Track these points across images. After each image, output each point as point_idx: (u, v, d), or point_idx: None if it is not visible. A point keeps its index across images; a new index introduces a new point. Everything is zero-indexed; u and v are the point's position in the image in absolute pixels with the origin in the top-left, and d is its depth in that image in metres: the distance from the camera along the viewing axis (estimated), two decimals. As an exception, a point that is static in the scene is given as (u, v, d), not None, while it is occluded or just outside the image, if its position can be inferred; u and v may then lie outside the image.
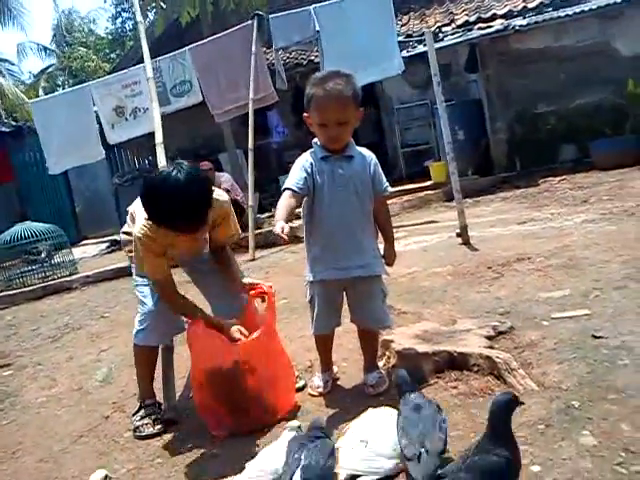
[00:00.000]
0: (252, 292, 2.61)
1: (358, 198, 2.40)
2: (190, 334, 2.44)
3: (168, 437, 2.49)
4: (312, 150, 2.43)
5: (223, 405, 2.41)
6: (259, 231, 7.24)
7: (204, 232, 2.42)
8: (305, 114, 2.40)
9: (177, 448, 2.36)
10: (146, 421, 2.55)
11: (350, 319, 2.58)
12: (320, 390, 2.55)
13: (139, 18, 6.27)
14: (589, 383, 2.11)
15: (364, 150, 2.50)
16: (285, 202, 2.26)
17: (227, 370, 2.38)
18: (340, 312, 2.55)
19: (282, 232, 2.07)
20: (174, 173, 2.15)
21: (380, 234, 2.57)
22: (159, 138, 4.01)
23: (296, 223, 2.86)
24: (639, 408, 1.88)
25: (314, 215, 2.42)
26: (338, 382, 2.65)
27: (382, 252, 2.53)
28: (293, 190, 2.30)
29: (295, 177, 2.34)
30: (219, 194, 2.48)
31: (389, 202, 7.80)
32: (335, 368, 2.71)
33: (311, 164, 2.36)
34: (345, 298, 2.54)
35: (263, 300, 2.61)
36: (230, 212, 2.58)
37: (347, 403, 2.41)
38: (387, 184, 2.51)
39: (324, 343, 2.62)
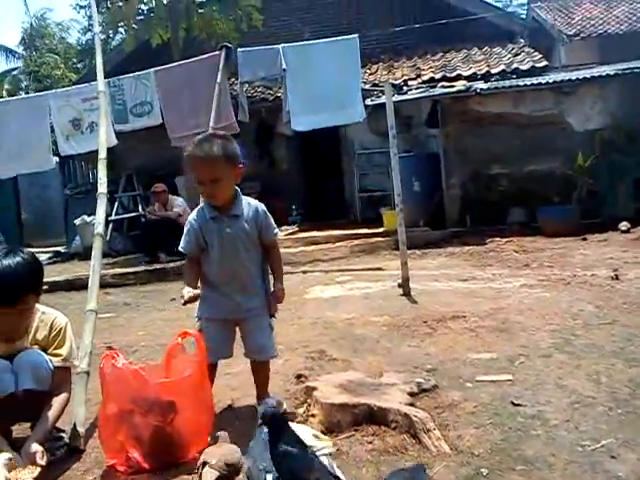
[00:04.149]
0: (181, 334, 2.54)
1: (247, 252, 2.60)
2: (105, 368, 2.34)
3: (72, 466, 2.36)
4: (201, 207, 2.62)
5: (133, 441, 2.30)
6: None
7: (26, 313, 2.40)
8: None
9: (78, 479, 2.24)
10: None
11: (243, 354, 2.71)
12: None
13: (96, 29, 6.24)
14: (501, 451, 2.11)
15: (252, 202, 2.65)
16: (188, 268, 2.64)
17: (143, 407, 2.29)
18: (227, 345, 2.65)
19: (187, 298, 2.46)
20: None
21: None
22: (102, 154, 3.93)
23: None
24: (544, 481, 1.89)
25: (207, 266, 2.61)
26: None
27: (272, 289, 2.66)
28: (191, 255, 2.61)
29: (187, 242, 2.60)
30: (57, 314, 2.58)
31: (339, 244, 7.85)
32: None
33: (199, 225, 2.56)
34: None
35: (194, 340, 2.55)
36: (65, 331, 2.56)
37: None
38: (275, 229, 2.70)
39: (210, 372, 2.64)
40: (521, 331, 3.58)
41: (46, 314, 2.54)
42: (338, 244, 8.41)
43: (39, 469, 2.11)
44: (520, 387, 2.67)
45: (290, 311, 4.72)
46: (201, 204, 2.64)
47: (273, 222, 2.67)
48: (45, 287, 2.55)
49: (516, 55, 11.05)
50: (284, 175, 11.65)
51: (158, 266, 8.01)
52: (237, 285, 2.59)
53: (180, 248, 2.61)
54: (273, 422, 1.94)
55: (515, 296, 4.61)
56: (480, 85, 8.99)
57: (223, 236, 2.54)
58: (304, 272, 7.05)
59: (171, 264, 7.89)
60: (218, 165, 2.47)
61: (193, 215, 2.62)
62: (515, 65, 10.34)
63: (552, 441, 2.14)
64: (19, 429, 2.60)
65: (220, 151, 2.47)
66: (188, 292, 2.46)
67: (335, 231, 9.15)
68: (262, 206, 2.66)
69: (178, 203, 8.98)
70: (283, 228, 10.46)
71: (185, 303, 2.47)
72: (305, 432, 2.19)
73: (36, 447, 2.18)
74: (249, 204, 2.62)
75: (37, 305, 2.51)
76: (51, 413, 2.38)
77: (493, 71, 10.22)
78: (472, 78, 10.04)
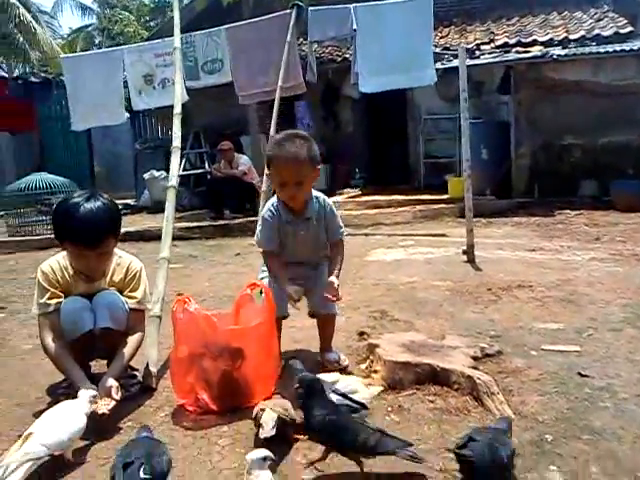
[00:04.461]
0: (250, 285, 2.60)
1: (316, 247, 2.71)
2: (177, 312, 2.42)
3: (144, 402, 2.49)
4: (276, 207, 2.65)
5: (202, 384, 2.40)
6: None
7: (106, 255, 2.50)
8: (267, 172, 2.58)
9: (150, 415, 2.35)
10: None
11: (308, 313, 2.77)
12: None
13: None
14: (566, 419, 2.09)
15: (320, 198, 2.69)
16: (276, 264, 2.63)
17: (213, 352, 2.37)
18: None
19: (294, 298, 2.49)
20: (81, 197, 2.42)
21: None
22: (178, 109, 4.01)
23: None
24: (612, 452, 1.86)
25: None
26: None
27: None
28: (273, 251, 2.65)
29: (269, 239, 2.65)
30: (132, 258, 2.68)
31: (402, 209, 7.79)
32: None
33: (278, 226, 2.62)
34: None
35: (261, 292, 2.60)
36: (140, 275, 2.65)
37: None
38: (342, 230, 2.74)
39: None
40: (590, 304, 3.49)
41: (123, 258, 2.65)
42: (401, 209, 8.34)
43: (114, 402, 2.24)
44: (588, 359, 2.62)
45: (352, 272, 4.75)
46: (274, 202, 2.66)
47: (339, 221, 2.72)
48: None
49: (598, 20, 10.45)
50: (349, 138, 11.58)
51: (223, 222, 8.18)
52: (305, 265, 2.71)
53: (262, 246, 2.67)
54: (308, 389, 1.95)
55: (584, 269, 4.48)
56: (557, 51, 8.59)
57: (297, 238, 2.65)
58: (366, 235, 7.05)
59: (235, 220, 8.05)
60: (303, 167, 2.50)
61: (268, 213, 2.65)
62: (597, 31, 9.79)
63: (621, 414, 2.10)
64: (96, 365, 2.75)
65: (306, 153, 2.50)
66: (292, 289, 2.49)
67: (398, 196, 9.06)
68: (330, 205, 2.70)
69: (243, 161, 9.08)
70: (345, 191, 10.47)
71: (296, 301, 2.51)
72: (353, 381, 2.25)
73: (112, 382, 2.31)
74: (318, 202, 2.66)
75: (115, 249, 2.63)
76: (126, 351, 2.50)
77: (572, 37, 9.73)
78: (549, 44, 9.59)
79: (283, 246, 2.66)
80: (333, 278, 2.55)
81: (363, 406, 2.12)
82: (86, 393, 2.16)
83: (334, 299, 2.53)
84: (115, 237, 2.50)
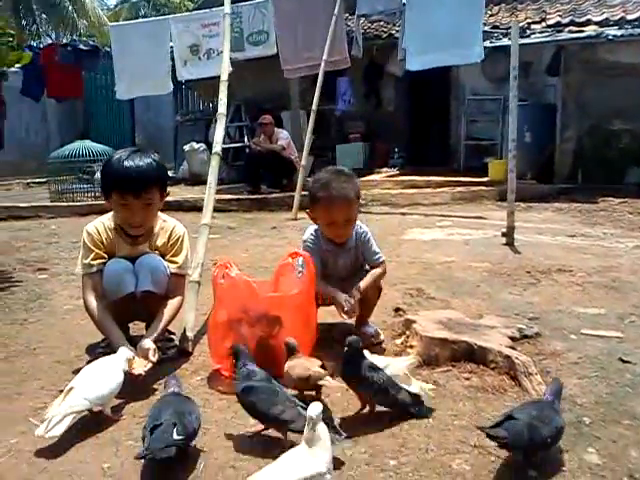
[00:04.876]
0: (292, 254, 2.61)
1: (354, 270, 2.73)
2: (218, 276, 2.45)
3: (181, 366, 2.54)
4: (316, 235, 2.69)
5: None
6: (306, 193, 7.22)
7: (150, 207, 2.53)
8: (308, 210, 2.69)
9: (187, 379, 2.40)
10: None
11: None
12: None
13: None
14: (606, 404, 2.06)
15: (357, 227, 2.70)
16: (322, 283, 2.59)
17: (250, 318, 2.40)
18: None
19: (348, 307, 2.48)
20: (128, 151, 2.52)
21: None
22: (225, 76, 4.00)
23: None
24: (651, 438, 1.83)
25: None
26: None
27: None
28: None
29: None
30: (176, 223, 2.72)
31: (440, 190, 7.71)
32: None
33: (317, 252, 2.64)
34: None
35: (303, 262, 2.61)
36: (183, 240, 2.68)
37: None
38: (378, 255, 2.71)
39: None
40: (633, 291, 3.41)
41: (167, 222, 2.69)
42: (439, 190, 8.24)
43: (150, 364, 2.29)
44: (630, 345, 2.56)
45: (388, 249, 4.70)
46: (315, 229, 2.70)
47: (376, 247, 2.72)
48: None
49: (659, 0, 10.02)
50: (389, 116, 11.46)
51: (260, 196, 8.21)
52: (347, 280, 2.68)
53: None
54: (352, 351, 2.03)
55: (628, 256, 4.37)
56: (613, 31, 8.28)
57: (337, 264, 2.69)
58: (403, 214, 7.00)
59: (272, 195, 8.07)
60: (353, 206, 2.57)
61: (310, 239, 2.69)
62: (656, 12, 9.40)
63: (663, 401, 2.06)
64: (135, 327, 2.81)
65: (354, 192, 2.57)
66: (345, 299, 2.49)
67: (437, 177, 8.95)
68: (366, 232, 2.71)
69: (283, 136, 9.07)
70: (384, 170, 10.39)
71: (349, 313, 2.52)
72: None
73: (149, 344, 2.35)
74: (356, 232, 2.68)
75: (159, 213, 2.66)
76: (165, 315, 2.54)
77: (629, 17, 9.32)
78: (604, 24, 9.21)
79: (324, 266, 2.67)
80: (356, 290, 2.54)
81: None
82: (124, 351, 2.21)
83: (345, 314, 2.51)
84: (160, 191, 2.55)
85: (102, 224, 2.60)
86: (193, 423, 1.78)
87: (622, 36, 8.12)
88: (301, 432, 1.65)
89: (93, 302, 2.50)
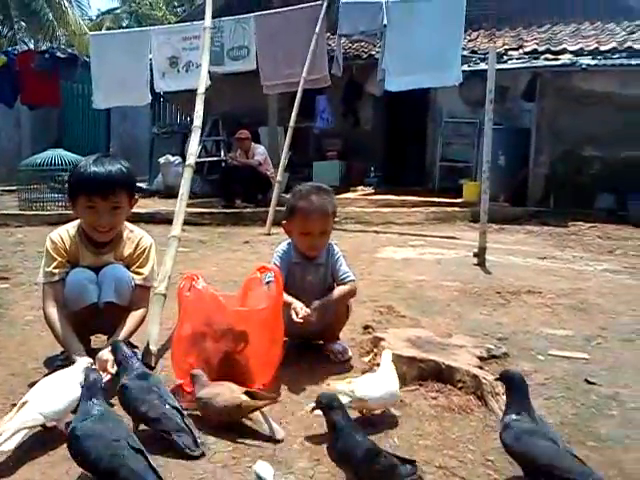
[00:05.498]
0: (260, 268, 2.57)
1: (321, 293, 2.62)
2: (184, 289, 2.39)
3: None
4: (289, 246, 2.70)
5: (202, 364, 2.35)
6: (280, 209, 7.20)
7: (118, 211, 2.47)
8: (284, 222, 2.69)
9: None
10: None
11: None
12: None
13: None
14: (571, 425, 2.05)
15: (331, 245, 2.71)
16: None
17: (216, 332, 2.34)
18: None
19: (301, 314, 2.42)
20: (97, 155, 2.50)
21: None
22: (202, 88, 3.98)
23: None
24: (616, 461, 1.82)
25: None
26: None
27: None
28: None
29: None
30: (143, 234, 2.65)
31: (415, 209, 7.75)
32: None
33: (286, 265, 2.63)
34: None
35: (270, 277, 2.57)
36: (149, 251, 2.62)
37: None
38: (347, 274, 2.68)
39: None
40: (600, 313, 3.44)
41: (133, 232, 2.63)
42: (414, 209, 8.29)
43: (109, 376, 2.21)
44: (596, 367, 2.57)
45: (360, 267, 4.71)
46: (288, 241, 2.71)
47: (345, 266, 2.70)
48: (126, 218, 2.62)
49: (631, 33, 10.27)
50: (367, 136, 11.52)
51: (234, 210, 8.16)
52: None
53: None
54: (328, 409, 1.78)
55: (596, 279, 4.43)
56: (587, 61, 8.48)
57: (304, 283, 2.65)
58: (377, 232, 7.02)
59: (247, 209, 8.03)
60: (329, 219, 2.62)
61: (283, 249, 2.69)
62: (629, 44, 9.58)
63: (628, 423, 2.06)
64: (98, 340, 2.73)
65: (332, 207, 2.63)
66: (301, 307, 2.44)
67: (412, 197, 9.01)
68: (338, 252, 2.72)
69: (259, 152, 9.05)
70: (360, 188, 10.42)
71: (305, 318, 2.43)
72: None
73: (108, 355, 2.26)
74: (327, 249, 2.69)
75: (126, 223, 2.60)
76: (127, 326, 2.47)
77: (602, 48, 9.56)
78: (578, 53, 9.43)
79: (292, 280, 2.62)
80: (318, 302, 2.50)
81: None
82: (82, 362, 2.14)
83: (300, 318, 2.42)
84: (128, 196, 2.49)
85: (67, 232, 2.53)
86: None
87: (596, 65, 8.32)
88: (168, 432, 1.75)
89: (53, 311, 2.42)
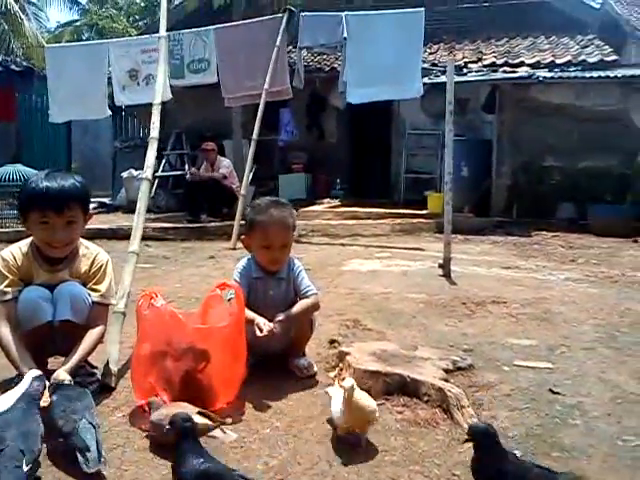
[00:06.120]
0: (220, 285, 2.52)
1: (284, 308, 2.57)
2: (142, 307, 2.32)
3: (102, 402, 2.38)
4: (249, 263, 2.66)
5: (163, 384, 2.29)
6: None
7: (72, 226, 2.41)
8: (243, 237, 2.69)
9: (107, 415, 2.25)
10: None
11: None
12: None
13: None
14: (536, 436, 2.04)
15: (291, 260, 2.69)
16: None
17: (177, 351, 2.28)
18: None
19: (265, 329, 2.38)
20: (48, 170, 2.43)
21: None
22: (158, 99, 3.91)
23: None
24: (581, 470, 1.81)
25: None
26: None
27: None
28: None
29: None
30: (99, 250, 2.59)
31: (380, 221, 7.76)
32: None
33: (246, 281, 2.60)
34: None
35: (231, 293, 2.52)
36: (106, 268, 2.56)
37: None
38: (310, 288, 2.65)
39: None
40: (563, 322, 3.47)
41: (89, 249, 2.55)
42: (379, 221, 8.32)
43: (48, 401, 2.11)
44: (560, 376, 2.58)
45: (326, 280, 4.69)
46: (249, 257, 2.67)
47: (307, 280, 2.67)
48: (88, 234, 2.56)
49: (584, 47, 10.64)
50: (331, 148, 11.57)
51: (199, 225, 8.07)
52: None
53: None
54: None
55: (559, 288, 4.48)
56: (543, 73, 8.69)
57: (266, 298, 2.61)
58: (342, 245, 7.01)
59: (212, 223, 7.95)
60: (290, 232, 2.62)
61: (242, 264, 2.66)
62: (582, 57, 9.95)
63: (591, 432, 2.06)
64: (55, 362, 2.63)
65: (292, 218, 2.63)
66: (264, 323, 2.40)
67: (377, 209, 9.05)
68: (300, 266, 2.70)
69: (225, 164, 9.00)
70: (326, 201, 10.43)
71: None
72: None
73: (64, 375, 2.19)
74: (288, 264, 2.67)
75: (81, 239, 2.53)
76: (84, 345, 2.38)
77: (558, 61, 9.86)
78: (535, 66, 9.71)
79: (253, 296, 2.58)
80: (282, 315, 2.47)
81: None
82: (31, 372, 2.05)
83: (262, 331, 2.39)
84: (83, 211, 2.43)
85: (19, 249, 2.44)
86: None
87: (552, 78, 8.53)
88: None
89: (5, 331, 2.32)
